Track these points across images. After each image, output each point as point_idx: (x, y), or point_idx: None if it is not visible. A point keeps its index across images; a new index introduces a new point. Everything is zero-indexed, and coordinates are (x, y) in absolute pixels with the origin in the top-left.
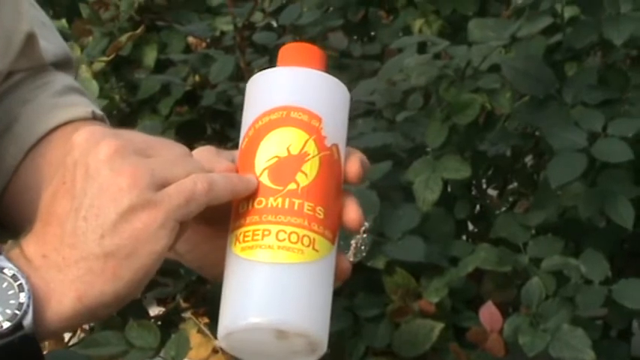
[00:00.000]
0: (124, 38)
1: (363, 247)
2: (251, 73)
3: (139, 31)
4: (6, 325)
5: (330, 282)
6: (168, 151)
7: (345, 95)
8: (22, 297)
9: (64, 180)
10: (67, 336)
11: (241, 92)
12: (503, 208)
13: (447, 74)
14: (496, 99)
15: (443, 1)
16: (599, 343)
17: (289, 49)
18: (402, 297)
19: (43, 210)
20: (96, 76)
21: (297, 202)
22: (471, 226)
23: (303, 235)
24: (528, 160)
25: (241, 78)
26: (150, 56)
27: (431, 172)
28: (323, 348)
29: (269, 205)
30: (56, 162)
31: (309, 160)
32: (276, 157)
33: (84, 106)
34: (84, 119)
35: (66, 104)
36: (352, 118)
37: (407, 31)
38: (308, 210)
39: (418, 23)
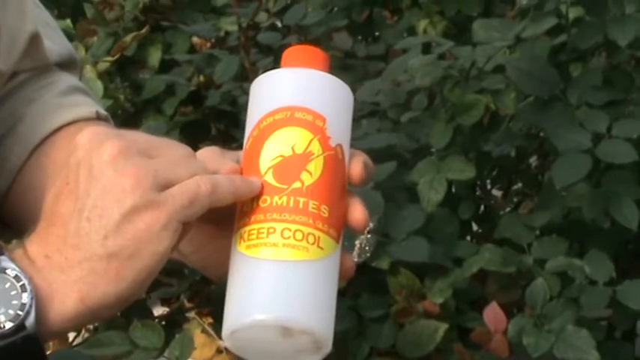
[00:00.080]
0: (128, 38)
1: (367, 248)
2: (255, 74)
3: (143, 31)
4: (8, 325)
5: (335, 280)
6: (171, 151)
7: (348, 97)
8: (25, 297)
9: (67, 180)
10: (71, 336)
11: (246, 92)
12: (508, 209)
13: (452, 75)
14: (501, 100)
15: (447, 1)
16: (604, 344)
17: (293, 51)
18: (407, 297)
19: (46, 210)
20: (100, 76)
21: (301, 200)
22: (475, 227)
23: (308, 233)
24: (533, 160)
25: (246, 78)
26: (154, 56)
27: (435, 173)
28: (328, 346)
29: (274, 204)
30: (60, 162)
31: (313, 159)
32: (281, 156)
33: (88, 106)
34: (88, 119)
35: (70, 104)
36: (356, 119)
37: (411, 31)
38: (313, 208)
39: (423, 24)
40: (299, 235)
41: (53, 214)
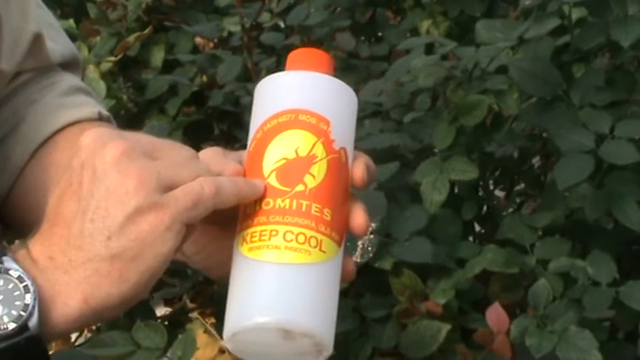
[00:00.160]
0: (131, 38)
1: (370, 248)
2: (258, 74)
3: (146, 31)
4: (12, 326)
5: (337, 283)
6: (175, 153)
7: (353, 99)
8: (28, 298)
9: (71, 181)
10: (73, 336)
11: (249, 93)
12: (511, 210)
13: (455, 75)
14: (503, 100)
15: (450, 2)
16: (607, 345)
17: (298, 53)
18: (409, 298)
19: (49, 211)
20: (103, 76)
21: (304, 203)
22: (477, 228)
23: (311, 236)
24: (536, 161)
25: (249, 78)
26: (157, 56)
27: (438, 174)
28: (329, 349)
29: (277, 206)
30: (63, 163)
31: (317, 162)
32: (285, 158)
33: (90, 106)
34: (90, 120)
35: (72, 104)
36: (359, 119)
37: (414, 32)
38: (315, 211)
39: (426, 24)
40: (301, 238)
41: (57, 215)
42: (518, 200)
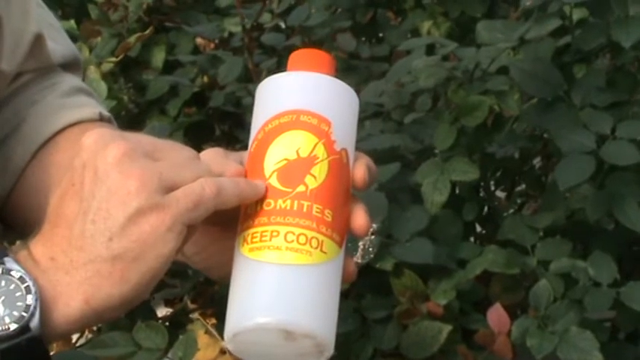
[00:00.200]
0: (132, 39)
1: (371, 249)
2: (259, 75)
3: (147, 32)
4: (13, 326)
5: (338, 284)
6: (176, 154)
7: (354, 101)
8: (30, 299)
9: (72, 182)
10: (74, 337)
11: (250, 93)
12: (511, 210)
13: (456, 76)
14: (504, 101)
15: (451, 2)
16: (608, 346)
17: (299, 54)
18: (410, 299)
19: (51, 212)
20: (104, 77)
21: (305, 204)
22: (478, 228)
23: (312, 237)
24: (536, 162)
25: (250, 79)
26: (158, 57)
27: (439, 174)
28: (330, 350)
29: (278, 207)
30: (64, 163)
31: (318, 163)
32: (286, 159)
33: (91, 107)
34: (91, 120)
35: (73, 105)
36: (360, 120)
37: (415, 32)
38: (316, 212)
39: (426, 25)
40: (302, 239)
41: (58, 216)
42: (519, 201)
